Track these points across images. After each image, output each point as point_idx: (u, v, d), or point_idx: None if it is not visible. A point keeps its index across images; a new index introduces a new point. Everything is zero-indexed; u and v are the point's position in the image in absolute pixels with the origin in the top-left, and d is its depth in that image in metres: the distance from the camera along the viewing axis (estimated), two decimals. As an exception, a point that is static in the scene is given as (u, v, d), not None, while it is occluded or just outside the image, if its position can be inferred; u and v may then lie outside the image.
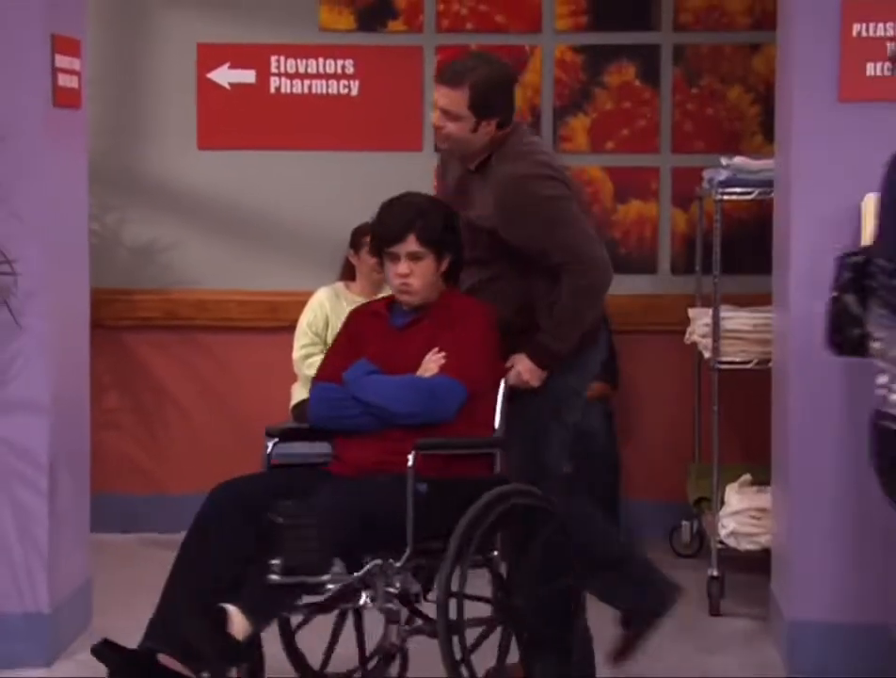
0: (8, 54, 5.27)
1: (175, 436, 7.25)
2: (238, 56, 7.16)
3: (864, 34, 5.16)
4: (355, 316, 4.92)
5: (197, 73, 7.19)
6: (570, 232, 4.80)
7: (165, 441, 7.25)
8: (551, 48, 7.13)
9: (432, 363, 4.63)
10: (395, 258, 4.65)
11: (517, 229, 4.76)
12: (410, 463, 4.40)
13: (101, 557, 6.12)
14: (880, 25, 5.16)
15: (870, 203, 5.06)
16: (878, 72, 5.15)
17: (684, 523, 6.88)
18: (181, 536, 6.85)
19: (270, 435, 4.79)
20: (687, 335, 6.64)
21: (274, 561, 4.23)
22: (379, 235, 4.71)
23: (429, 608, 4.48)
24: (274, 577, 4.22)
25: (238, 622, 4.17)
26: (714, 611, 6.03)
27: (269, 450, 4.73)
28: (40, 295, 5.35)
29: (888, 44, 5.11)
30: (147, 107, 7.22)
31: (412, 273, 4.64)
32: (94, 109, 6.18)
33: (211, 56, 7.17)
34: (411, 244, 4.62)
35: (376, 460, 4.55)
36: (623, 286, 7.04)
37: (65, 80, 5.49)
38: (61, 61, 5.45)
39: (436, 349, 4.64)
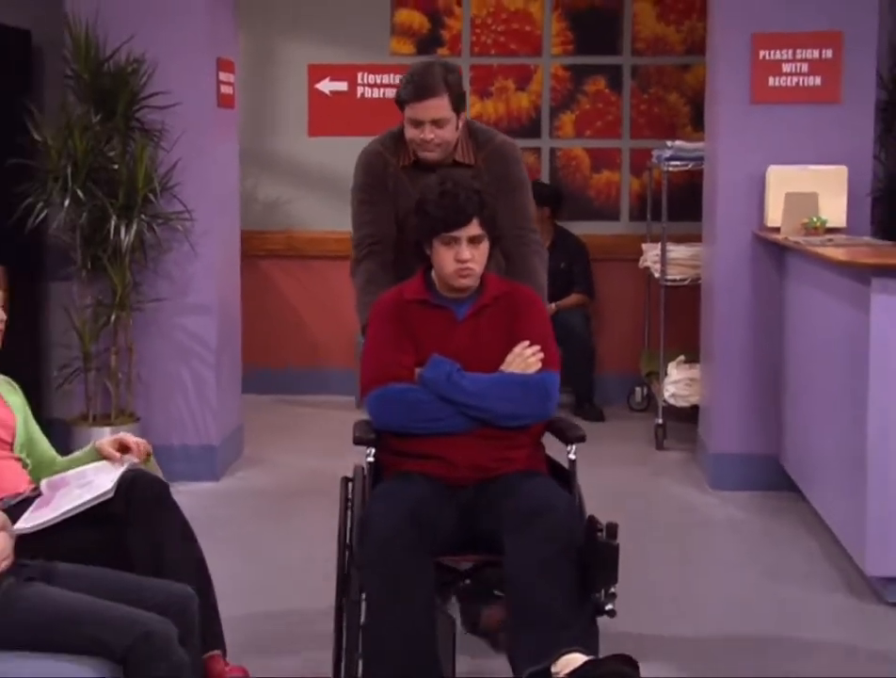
0: (189, 72, 5.32)
1: (293, 329, 7.25)
2: (336, 73, 7.12)
3: (768, 57, 5.16)
4: (395, 306, 3.24)
5: (307, 84, 7.16)
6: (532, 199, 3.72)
7: (287, 332, 7.25)
8: (548, 66, 7.09)
9: (532, 358, 3.16)
10: (454, 242, 3.14)
11: (514, 195, 3.58)
12: (573, 458, 3.17)
13: (248, 409, 6.18)
14: (778, 52, 5.15)
15: (771, 174, 5.11)
16: (778, 84, 5.16)
17: (637, 388, 6.90)
18: (298, 397, 7.08)
19: (366, 443, 3.16)
20: (641, 262, 6.61)
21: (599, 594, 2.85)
22: (442, 220, 3.13)
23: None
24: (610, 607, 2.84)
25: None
26: (659, 447, 6.04)
27: (370, 457, 3.16)
28: (210, 234, 5.41)
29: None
30: (274, 107, 7.20)
31: (472, 257, 3.14)
32: (240, 108, 6.21)
33: (317, 72, 7.13)
34: (474, 227, 3.13)
35: (495, 457, 3.13)
36: (597, 229, 7.15)
37: (225, 89, 5.55)
38: (222, 76, 5.51)
39: (526, 343, 3.17)
